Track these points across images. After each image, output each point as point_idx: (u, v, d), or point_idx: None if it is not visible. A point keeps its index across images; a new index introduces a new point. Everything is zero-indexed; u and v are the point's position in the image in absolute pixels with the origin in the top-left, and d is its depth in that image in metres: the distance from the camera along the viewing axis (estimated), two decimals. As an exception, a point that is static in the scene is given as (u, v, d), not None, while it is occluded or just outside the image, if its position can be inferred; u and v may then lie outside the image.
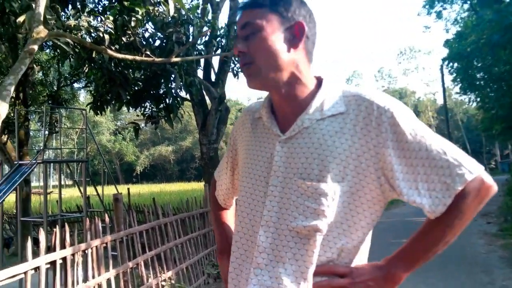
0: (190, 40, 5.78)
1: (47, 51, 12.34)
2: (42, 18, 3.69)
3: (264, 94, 1.25)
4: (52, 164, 13.28)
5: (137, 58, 3.86)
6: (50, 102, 12.82)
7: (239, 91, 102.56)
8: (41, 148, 9.65)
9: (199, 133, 8.90)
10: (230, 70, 8.86)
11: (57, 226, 3.50)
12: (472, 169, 1.01)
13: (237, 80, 9.30)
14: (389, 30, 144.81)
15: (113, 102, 7.71)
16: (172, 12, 3.81)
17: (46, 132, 10.76)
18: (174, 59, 3.94)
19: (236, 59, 8.69)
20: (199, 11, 7.73)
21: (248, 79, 1.11)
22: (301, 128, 1.09)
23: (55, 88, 13.30)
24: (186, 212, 6.58)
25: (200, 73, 8.76)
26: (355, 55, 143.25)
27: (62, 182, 10.36)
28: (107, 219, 4.40)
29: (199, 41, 7.47)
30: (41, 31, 3.66)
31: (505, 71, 18.28)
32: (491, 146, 56.93)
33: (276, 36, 1.07)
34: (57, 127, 11.80)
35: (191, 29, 6.33)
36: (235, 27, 6.87)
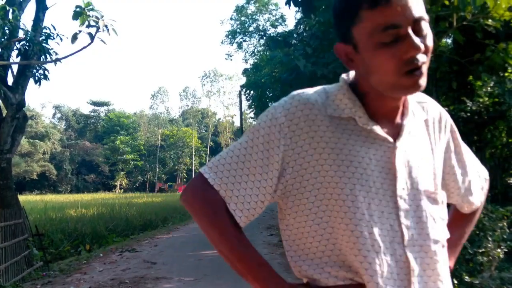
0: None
1: None
2: None
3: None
4: None
5: None
6: None
7: (38, 98, 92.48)
8: None
9: (-11, 141, 7.98)
10: (32, 75, 8.24)
11: None
12: (485, 171, 1.25)
13: (39, 87, 8.69)
14: (195, 51, 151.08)
15: None
16: (-21, 12, 3.54)
17: None
18: (-23, 62, 3.65)
19: (39, 66, 8.17)
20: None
21: (417, 85, 0.92)
22: (407, 135, 1.02)
23: None
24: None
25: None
26: (161, 72, 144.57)
27: None
28: None
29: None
30: None
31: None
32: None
33: None
34: None
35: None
36: (43, 31, 6.39)
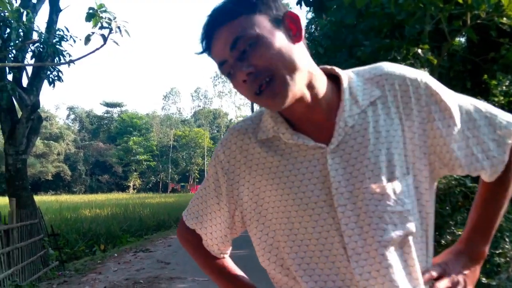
0: (12, 43, 5.37)
1: None
2: None
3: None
4: None
5: None
6: None
7: (52, 99, 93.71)
8: None
9: (5, 143, 8.11)
10: (46, 77, 8.35)
11: None
12: (507, 119, 0.99)
13: (53, 88, 8.81)
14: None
15: None
16: (-5, 15, 3.61)
17: None
18: (-7, 64, 3.72)
19: (53, 67, 8.27)
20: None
21: (275, 100, 0.88)
22: (347, 129, 0.91)
23: None
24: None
25: (9, 77, 8.02)
26: (172, 73, 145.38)
27: None
28: None
29: (11, 45, 6.92)
30: None
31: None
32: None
33: (278, 36, 0.88)
34: None
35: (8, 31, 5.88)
36: (56, 33, 6.49)
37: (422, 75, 0.95)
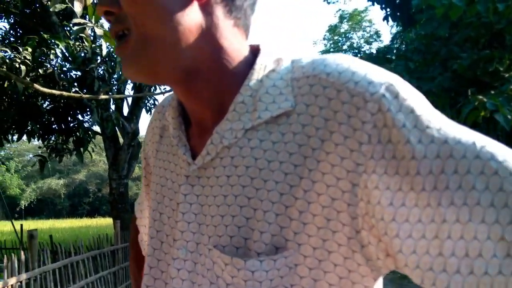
0: (116, 76, 5.94)
1: None
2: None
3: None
4: None
5: (65, 93, 3.91)
6: None
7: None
8: None
9: (109, 168, 8.78)
10: (144, 105, 8.98)
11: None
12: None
13: (150, 116, 9.43)
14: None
15: (14, 132, 7.40)
16: (104, 52, 4.00)
17: None
18: (103, 96, 4.09)
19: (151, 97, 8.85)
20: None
21: (123, 61, 0.56)
22: (220, 148, 0.56)
23: None
24: (97, 249, 6.44)
25: (112, 107, 8.74)
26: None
27: None
28: (22, 256, 4.25)
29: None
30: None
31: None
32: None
33: None
34: None
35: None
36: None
37: (383, 85, 0.48)
